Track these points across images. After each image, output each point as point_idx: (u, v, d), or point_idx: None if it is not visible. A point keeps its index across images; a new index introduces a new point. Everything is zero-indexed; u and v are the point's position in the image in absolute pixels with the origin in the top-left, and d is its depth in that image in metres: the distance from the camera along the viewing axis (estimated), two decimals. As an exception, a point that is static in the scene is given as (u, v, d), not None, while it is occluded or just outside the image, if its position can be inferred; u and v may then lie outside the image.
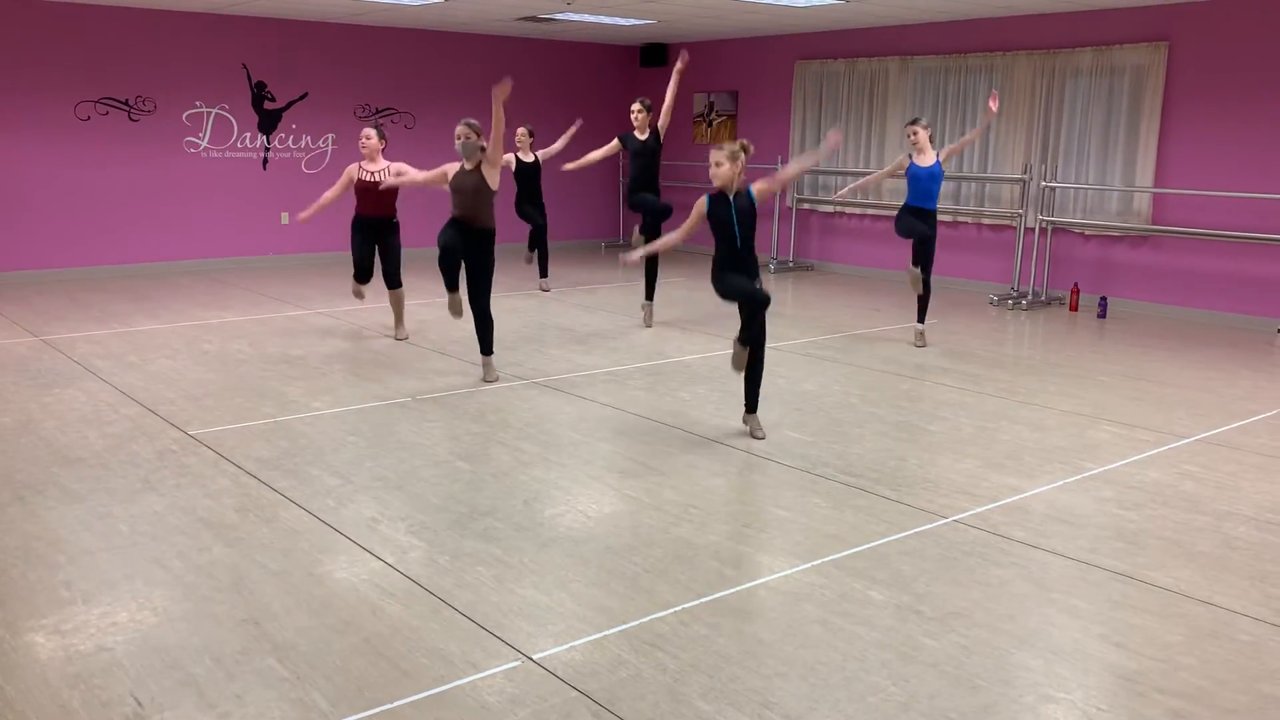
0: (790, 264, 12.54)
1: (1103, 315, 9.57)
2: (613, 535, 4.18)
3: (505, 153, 9.46)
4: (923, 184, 7.63)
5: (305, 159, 11.97)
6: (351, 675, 3.07)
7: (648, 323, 8.63)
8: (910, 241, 7.76)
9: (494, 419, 5.81)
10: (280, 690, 2.98)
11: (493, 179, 6.40)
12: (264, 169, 11.76)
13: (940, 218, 7.90)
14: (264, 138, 11.70)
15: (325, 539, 4.09)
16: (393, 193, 7.61)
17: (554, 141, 10.16)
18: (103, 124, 10.72)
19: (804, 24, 11.43)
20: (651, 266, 8.59)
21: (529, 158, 10.08)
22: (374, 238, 7.74)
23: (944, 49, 11.03)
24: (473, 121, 6.46)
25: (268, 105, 11.67)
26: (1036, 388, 6.75)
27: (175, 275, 11.09)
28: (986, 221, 10.94)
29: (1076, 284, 10.04)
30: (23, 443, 5.24)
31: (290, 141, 11.87)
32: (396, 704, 2.92)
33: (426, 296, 9.76)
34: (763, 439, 5.50)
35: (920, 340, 7.96)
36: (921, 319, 7.98)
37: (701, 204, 5.29)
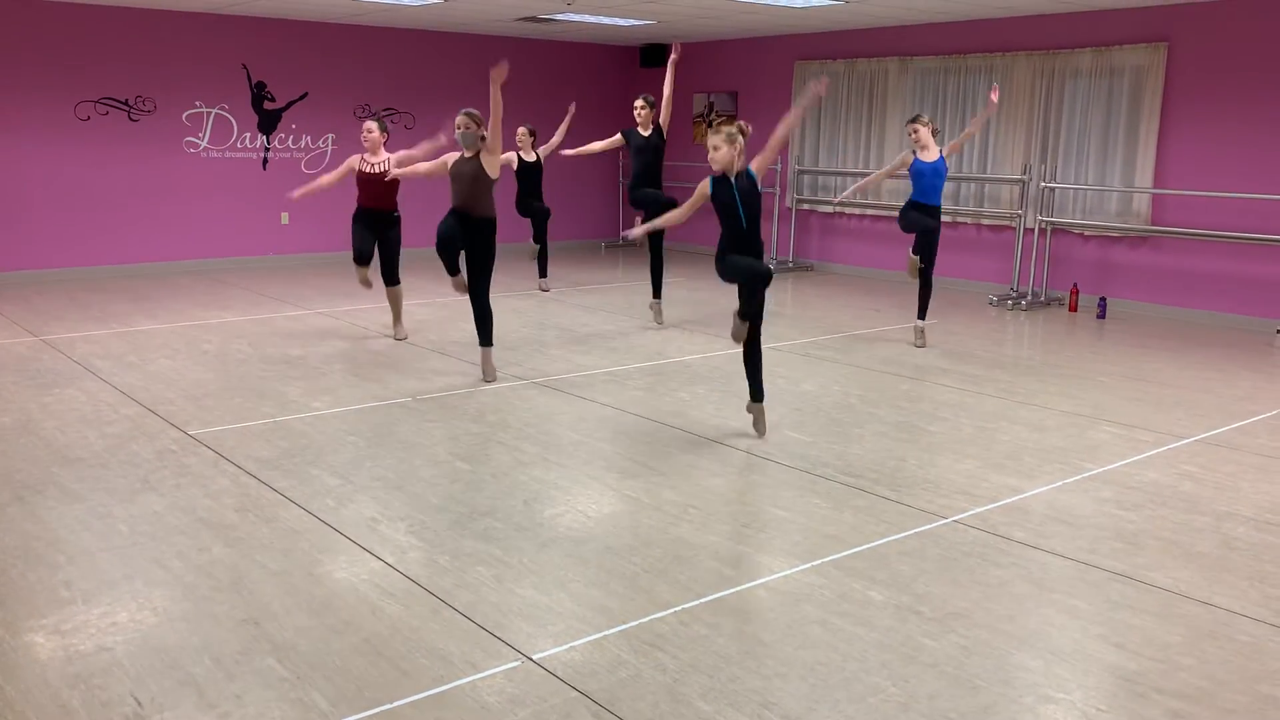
0: (790, 264, 12.54)
1: (1102, 316, 9.57)
2: (612, 535, 4.18)
3: (506, 151, 9.46)
4: (927, 179, 7.61)
5: (305, 159, 11.97)
6: (351, 675, 3.07)
7: (659, 320, 8.56)
8: (913, 234, 7.76)
9: (494, 419, 5.81)
10: (280, 690, 2.98)
11: (491, 167, 6.39)
12: (264, 169, 11.76)
13: (941, 217, 7.87)
14: (264, 138, 11.70)
15: (325, 539, 4.09)
16: (395, 186, 7.59)
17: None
18: (103, 124, 10.72)
19: (803, 24, 11.43)
20: (656, 264, 8.56)
21: (530, 157, 10.09)
22: (374, 230, 7.68)
23: (943, 49, 11.03)
24: (473, 111, 6.45)
25: (267, 105, 11.67)
26: (1036, 388, 6.75)
27: (175, 275, 11.09)
28: (986, 222, 10.94)
29: (1076, 284, 10.04)
30: (22, 443, 5.24)
31: (290, 141, 11.87)
32: (396, 704, 2.92)
33: (426, 296, 9.76)
34: (763, 433, 5.50)
35: (920, 339, 7.94)
36: (922, 315, 7.95)
37: (704, 185, 5.26)
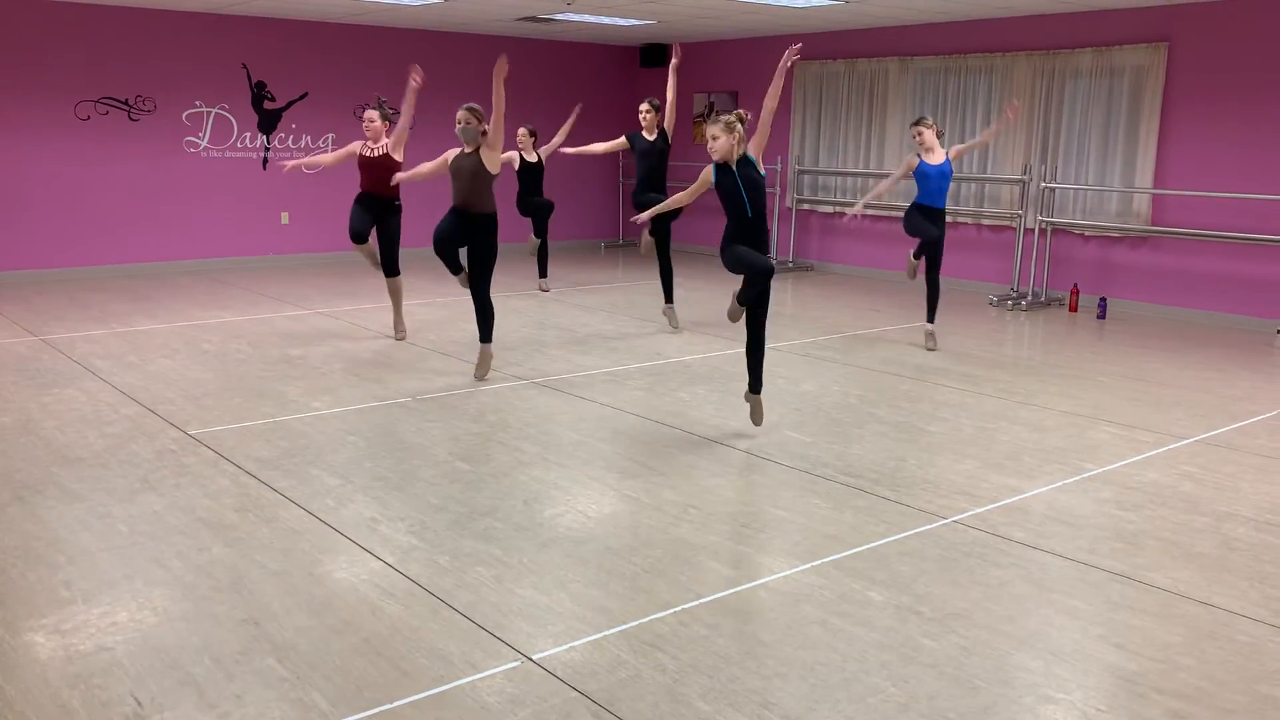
0: (790, 264, 12.54)
1: (1102, 316, 9.57)
2: (612, 535, 4.18)
3: (507, 151, 9.46)
4: (932, 182, 7.58)
5: (305, 159, 11.95)
6: (351, 675, 3.07)
7: (674, 325, 8.42)
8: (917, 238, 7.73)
9: (493, 419, 5.81)
10: (280, 690, 2.98)
11: (491, 162, 6.39)
12: (264, 169, 11.76)
13: (945, 220, 7.85)
14: (264, 137, 11.70)
15: (325, 539, 4.09)
16: (395, 172, 7.55)
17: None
18: (102, 123, 10.72)
19: (804, 24, 11.43)
20: (666, 269, 8.43)
21: (532, 157, 10.08)
22: (373, 212, 7.61)
23: (943, 49, 11.03)
24: (474, 106, 6.44)
25: (267, 105, 11.67)
26: (1036, 388, 6.75)
27: (175, 275, 11.09)
28: (986, 222, 10.94)
29: (1076, 285, 10.04)
30: (22, 442, 5.24)
31: (290, 141, 11.88)
32: (396, 704, 2.92)
33: (426, 296, 9.76)
34: (759, 425, 5.49)
35: (931, 342, 7.86)
36: (931, 319, 7.91)
37: (707, 172, 5.26)
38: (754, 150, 5.22)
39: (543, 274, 10.46)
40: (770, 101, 5.18)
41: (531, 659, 3.17)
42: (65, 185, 10.60)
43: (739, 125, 5.13)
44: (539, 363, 7.18)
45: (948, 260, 10.51)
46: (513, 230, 11.00)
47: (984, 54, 10.69)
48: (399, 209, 7.68)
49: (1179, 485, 4.91)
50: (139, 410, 5.85)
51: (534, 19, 11.27)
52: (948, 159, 7.61)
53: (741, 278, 5.30)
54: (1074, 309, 9.93)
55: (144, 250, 11.14)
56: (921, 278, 7.94)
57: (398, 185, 7.56)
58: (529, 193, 10.10)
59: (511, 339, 7.87)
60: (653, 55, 13.89)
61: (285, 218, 11.93)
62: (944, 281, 7.90)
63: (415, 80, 7.26)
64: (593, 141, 8.73)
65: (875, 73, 11.71)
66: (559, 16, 10.94)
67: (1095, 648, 3.33)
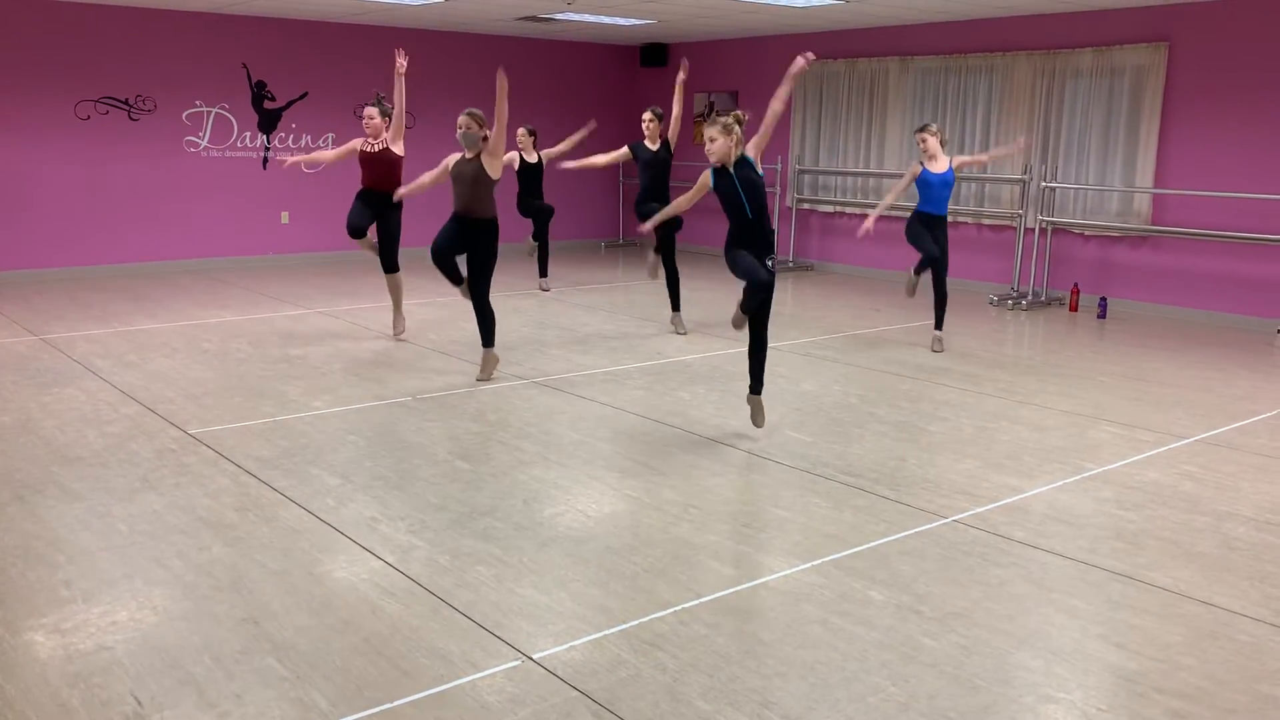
0: (790, 264, 12.54)
1: (1102, 316, 9.57)
2: (612, 535, 4.18)
3: (508, 151, 9.45)
4: (935, 190, 7.55)
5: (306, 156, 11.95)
6: (351, 675, 3.07)
7: (681, 331, 8.33)
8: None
9: (494, 418, 5.81)
10: (280, 690, 2.98)
11: (493, 168, 6.40)
12: (264, 168, 11.76)
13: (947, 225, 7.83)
14: (264, 137, 11.70)
15: (325, 538, 4.09)
16: (396, 168, 7.56)
17: (558, 142, 10.08)
18: (103, 123, 10.72)
19: (804, 24, 11.43)
20: (672, 278, 8.37)
21: (532, 158, 10.09)
22: (373, 208, 7.60)
23: (944, 49, 11.03)
24: (475, 111, 6.45)
25: (268, 104, 11.67)
26: (1036, 388, 6.75)
27: (175, 275, 11.09)
28: (986, 222, 10.94)
29: (1076, 284, 10.04)
30: (22, 442, 5.24)
31: (290, 141, 11.87)
32: (396, 703, 2.92)
33: (426, 296, 9.76)
34: (761, 425, 5.49)
35: (938, 345, 7.82)
36: (939, 325, 7.86)
37: (705, 176, 5.24)
38: (753, 151, 5.21)
39: (543, 274, 10.46)
40: (777, 105, 5.14)
41: (532, 658, 3.17)
42: (66, 185, 10.60)
43: (736, 127, 5.11)
44: (539, 362, 7.18)
45: (949, 260, 10.54)
46: (513, 230, 11.00)
47: (984, 54, 10.69)
48: (399, 205, 7.66)
49: (1179, 485, 4.91)
50: (139, 409, 5.84)
51: (534, 18, 11.27)
52: (951, 168, 7.58)
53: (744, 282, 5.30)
54: (1074, 308, 9.93)
55: (144, 250, 11.14)
56: (923, 287, 7.88)
57: (399, 180, 7.56)
58: (529, 193, 10.10)
59: (512, 338, 7.87)
60: (653, 55, 13.88)
61: (285, 217, 11.93)
62: (947, 282, 7.86)
63: (400, 64, 7.29)
64: (592, 153, 8.65)
65: (875, 72, 11.71)
66: (559, 16, 10.94)
67: (1096, 647, 3.32)
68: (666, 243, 8.17)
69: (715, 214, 5.30)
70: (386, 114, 7.60)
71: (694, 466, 5.04)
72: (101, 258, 10.89)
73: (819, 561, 3.94)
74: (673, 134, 8.19)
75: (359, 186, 7.70)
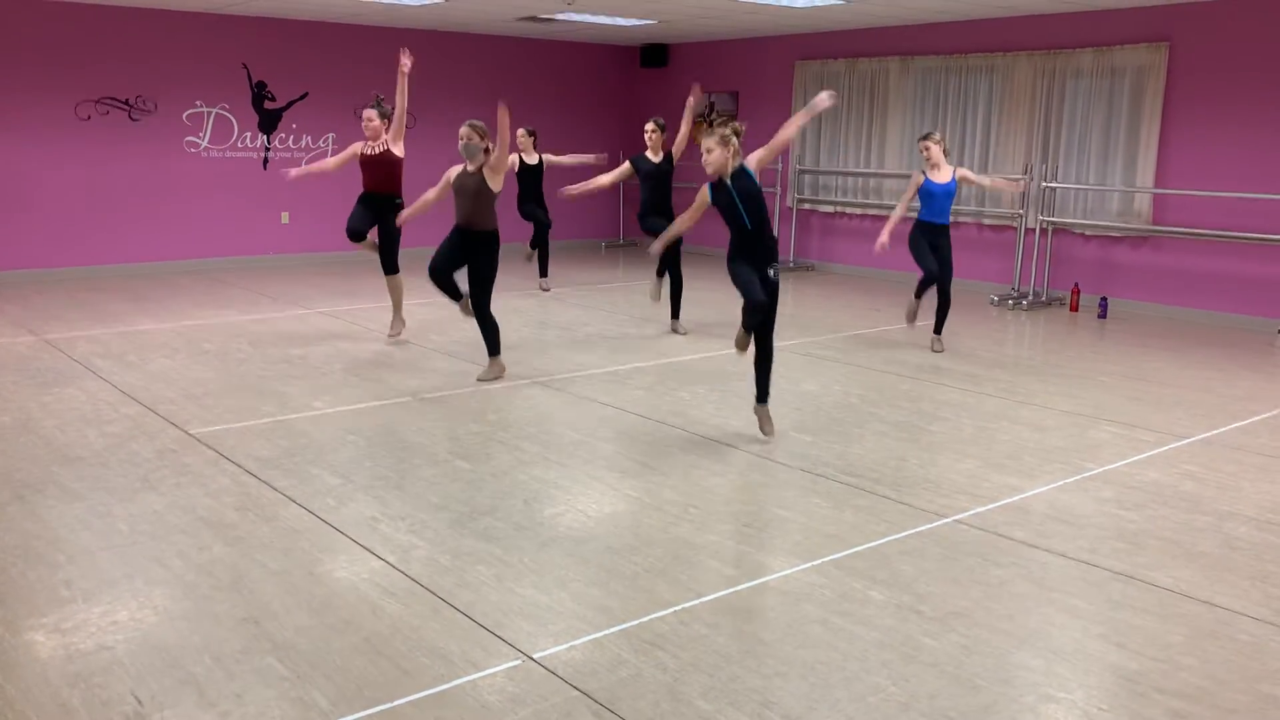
0: (790, 264, 12.53)
1: (1103, 316, 9.57)
2: (613, 535, 4.18)
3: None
4: (937, 201, 7.53)
5: (306, 159, 11.96)
6: (351, 674, 3.07)
7: (681, 331, 8.31)
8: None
9: (494, 418, 5.81)
10: (280, 689, 2.97)
11: (494, 182, 6.44)
12: (264, 169, 11.76)
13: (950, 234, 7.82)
14: (264, 137, 11.70)
15: (325, 538, 4.09)
16: (397, 169, 7.54)
17: (564, 152, 10.06)
18: (103, 123, 10.72)
19: (804, 24, 11.43)
20: (676, 289, 8.35)
21: (532, 159, 10.09)
22: (373, 211, 7.58)
23: (944, 49, 11.03)
24: (477, 123, 6.46)
25: (268, 105, 11.67)
26: (1037, 388, 6.74)
27: (175, 275, 11.09)
28: (987, 222, 10.94)
29: (1077, 284, 10.04)
30: (22, 441, 5.24)
31: (290, 141, 11.88)
32: (397, 703, 2.92)
33: (427, 296, 9.74)
34: (770, 434, 5.47)
35: (938, 345, 7.81)
36: (939, 330, 7.84)
37: (703, 192, 5.23)
38: (753, 164, 5.21)
39: (543, 273, 10.46)
40: (790, 132, 5.27)
41: (532, 658, 3.17)
42: (66, 185, 10.60)
43: (734, 138, 5.12)
44: (540, 362, 7.18)
45: (954, 265, 10.51)
46: (513, 231, 11.00)
47: (985, 54, 10.69)
48: (400, 206, 7.62)
49: (1180, 484, 4.91)
50: (139, 409, 5.84)
51: (534, 19, 11.27)
52: (954, 179, 7.56)
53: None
54: (1075, 308, 9.92)
55: (144, 250, 11.14)
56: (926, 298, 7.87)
57: (399, 182, 7.56)
58: (529, 195, 10.10)
59: (512, 338, 7.86)
60: (653, 56, 13.88)
61: (285, 217, 11.93)
62: (951, 292, 7.84)
63: (404, 63, 7.27)
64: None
65: (876, 72, 11.71)
66: (559, 16, 10.94)
67: (1096, 647, 3.32)
68: (671, 251, 8.16)
69: (717, 215, 5.30)
70: (385, 116, 7.60)
71: (694, 466, 5.04)
72: (102, 258, 10.89)
73: (819, 561, 3.94)
74: (677, 150, 8.18)
75: (359, 187, 7.69)
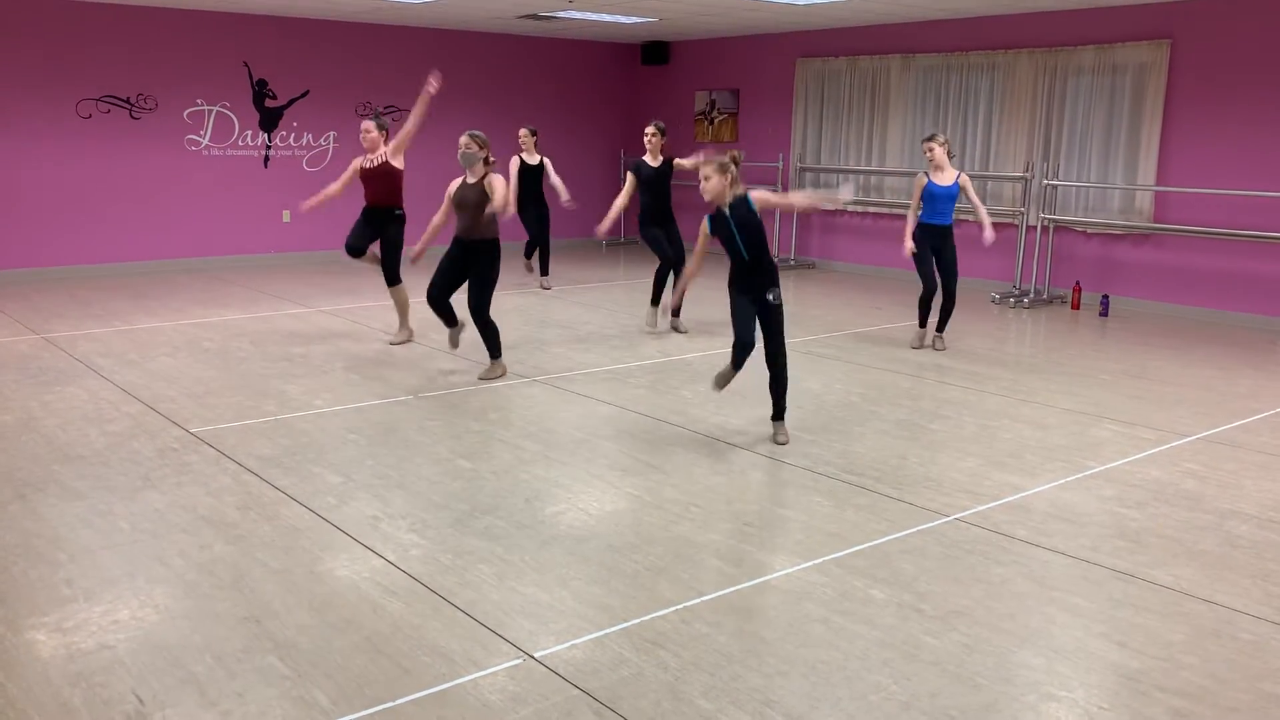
0: (792, 262, 12.53)
1: (1104, 313, 9.56)
2: (614, 533, 4.18)
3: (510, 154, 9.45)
4: (940, 203, 7.53)
5: (307, 157, 11.97)
6: (353, 673, 3.07)
7: (682, 329, 8.31)
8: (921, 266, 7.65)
9: (495, 417, 5.81)
10: (281, 688, 2.98)
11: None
12: (265, 167, 11.76)
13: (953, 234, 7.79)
14: (265, 135, 11.70)
15: (326, 537, 4.09)
16: (396, 181, 7.52)
17: (566, 159, 10.06)
18: (104, 122, 10.72)
19: (805, 22, 11.42)
20: (675, 277, 8.38)
21: (534, 159, 10.08)
22: (373, 225, 7.56)
23: (945, 47, 11.02)
24: (478, 133, 6.52)
25: (269, 103, 11.67)
26: (1038, 386, 6.74)
27: (176, 273, 11.09)
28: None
29: (1078, 282, 10.03)
30: (24, 440, 5.24)
31: (291, 139, 11.87)
32: (398, 702, 2.92)
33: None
34: (785, 443, 5.43)
35: (940, 343, 7.82)
36: (942, 328, 7.85)
37: (704, 226, 5.29)
38: (757, 201, 5.24)
39: (544, 272, 10.47)
40: (800, 201, 5.85)
41: (533, 657, 3.17)
42: (67, 183, 10.60)
43: (733, 167, 5.21)
44: (540, 360, 7.18)
45: (958, 263, 10.49)
46: (513, 231, 11.00)
47: (986, 51, 10.68)
48: (401, 218, 7.55)
49: (1181, 483, 4.91)
50: (140, 408, 5.85)
51: (535, 16, 11.26)
52: (956, 182, 7.53)
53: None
54: (1076, 306, 9.92)
55: (145, 248, 11.14)
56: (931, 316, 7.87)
57: (400, 194, 7.53)
58: (529, 196, 10.09)
59: (513, 337, 7.87)
60: (654, 53, 13.87)
61: (286, 216, 11.93)
62: (955, 292, 7.82)
63: (432, 86, 7.26)
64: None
65: (877, 70, 11.70)
66: (560, 14, 10.93)
67: (1097, 645, 3.32)
68: (675, 261, 8.24)
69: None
70: (384, 128, 7.61)
71: (695, 465, 5.04)
72: (103, 256, 10.89)
73: (821, 560, 3.94)
74: (678, 162, 8.16)
75: (360, 186, 7.66)
